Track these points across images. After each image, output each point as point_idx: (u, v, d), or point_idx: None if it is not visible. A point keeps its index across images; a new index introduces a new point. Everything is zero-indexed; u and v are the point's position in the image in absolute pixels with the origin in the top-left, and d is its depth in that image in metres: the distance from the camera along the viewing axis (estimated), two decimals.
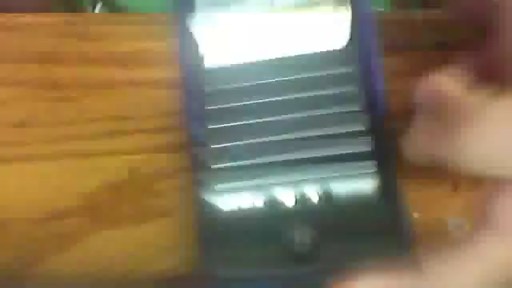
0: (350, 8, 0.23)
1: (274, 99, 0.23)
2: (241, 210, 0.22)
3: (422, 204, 0.26)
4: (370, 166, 0.21)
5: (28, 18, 0.35)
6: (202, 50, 0.25)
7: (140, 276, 0.27)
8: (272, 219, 0.21)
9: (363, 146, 0.21)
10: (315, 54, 0.22)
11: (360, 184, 0.21)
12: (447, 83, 0.21)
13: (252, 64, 0.24)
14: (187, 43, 0.25)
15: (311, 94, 0.22)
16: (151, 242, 0.28)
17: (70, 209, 0.29)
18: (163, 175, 0.31)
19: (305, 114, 0.22)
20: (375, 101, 0.22)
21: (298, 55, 0.23)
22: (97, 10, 0.39)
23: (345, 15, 0.23)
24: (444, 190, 0.29)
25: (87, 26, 0.35)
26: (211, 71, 0.24)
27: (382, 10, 0.38)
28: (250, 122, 0.23)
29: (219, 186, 0.22)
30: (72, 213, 0.29)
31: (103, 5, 0.40)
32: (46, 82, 0.36)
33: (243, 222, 0.22)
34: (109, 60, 0.37)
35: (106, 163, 0.31)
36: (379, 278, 0.20)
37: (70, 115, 0.34)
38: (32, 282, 0.27)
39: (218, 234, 0.22)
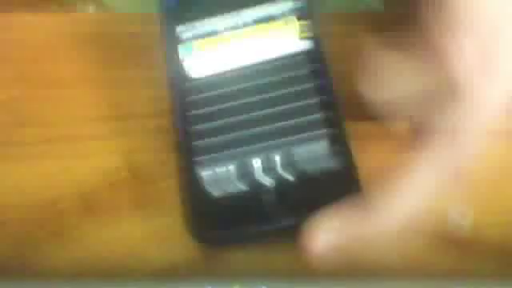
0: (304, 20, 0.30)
1: (247, 86, 0.29)
2: (217, 174, 0.27)
3: None
4: (323, 132, 0.26)
5: (27, 17, 0.35)
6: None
7: (134, 262, 0.27)
8: (245, 182, 0.26)
9: (317, 117, 0.27)
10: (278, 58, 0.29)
11: (315, 146, 0.26)
12: None
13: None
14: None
15: (276, 79, 0.29)
16: (146, 230, 0.28)
17: (71, 208, 0.29)
18: (164, 175, 0.30)
19: (270, 95, 0.28)
20: (327, 93, 0.28)
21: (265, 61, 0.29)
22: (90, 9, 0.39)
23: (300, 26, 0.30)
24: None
25: (84, 25, 0.35)
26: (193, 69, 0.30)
27: None
28: (227, 105, 0.28)
29: (197, 159, 0.27)
30: (72, 212, 0.29)
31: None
32: (45, 80, 0.36)
33: (221, 184, 0.26)
34: (108, 58, 0.37)
35: (106, 162, 0.31)
36: (334, 219, 0.24)
37: (70, 114, 0.34)
38: (25, 269, 0.27)
39: (201, 195, 0.26)
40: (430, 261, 0.26)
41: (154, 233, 0.28)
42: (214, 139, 0.28)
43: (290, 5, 0.30)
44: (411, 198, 0.24)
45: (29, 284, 0.27)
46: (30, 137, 0.33)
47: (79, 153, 0.32)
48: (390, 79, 0.25)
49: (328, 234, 0.24)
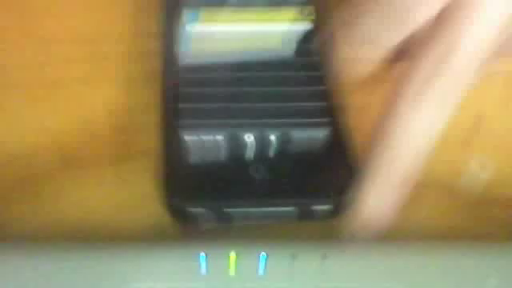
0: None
1: (249, 61, 0.27)
2: (202, 143, 0.24)
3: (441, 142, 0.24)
4: (323, 118, 0.25)
5: None
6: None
7: (118, 223, 0.24)
8: (231, 153, 0.24)
9: (319, 101, 0.26)
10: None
11: (314, 132, 0.25)
12: None
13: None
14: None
15: (277, 60, 0.27)
16: (129, 184, 0.25)
17: (37, 148, 0.26)
18: (141, 110, 0.27)
19: (271, 75, 0.27)
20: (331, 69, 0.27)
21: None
22: None
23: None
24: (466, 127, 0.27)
25: None
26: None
27: None
28: (221, 75, 0.26)
29: (185, 122, 0.25)
30: (39, 152, 0.26)
31: None
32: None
33: (206, 155, 0.24)
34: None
35: (79, 95, 0.28)
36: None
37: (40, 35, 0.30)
38: None
39: (177, 163, 0.24)
40: (444, 219, 0.25)
41: (135, 175, 0.25)
42: (204, 105, 0.25)
43: None
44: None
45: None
46: None
47: (49, 81, 0.28)
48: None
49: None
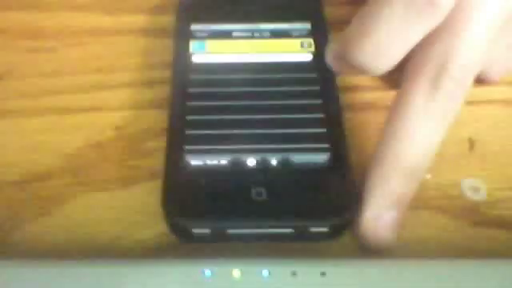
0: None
1: (248, 89, 0.28)
2: (206, 167, 0.25)
3: (434, 164, 0.25)
4: (324, 144, 0.26)
5: None
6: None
7: (127, 242, 0.25)
8: (234, 176, 0.25)
9: (320, 128, 0.27)
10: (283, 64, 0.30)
11: (316, 157, 0.26)
12: None
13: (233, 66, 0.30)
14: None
15: (279, 89, 0.28)
16: (139, 205, 0.26)
17: (51, 170, 0.27)
18: (151, 133, 0.28)
19: (275, 102, 0.28)
20: (331, 97, 0.28)
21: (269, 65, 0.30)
22: None
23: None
24: (458, 150, 0.28)
25: None
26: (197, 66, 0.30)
27: None
28: (226, 103, 0.28)
29: (189, 147, 0.26)
30: (53, 174, 0.27)
31: None
32: (26, 30, 0.33)
33: (207, 176, 0.25)
34: (94, 6, 0.35)
35: (90, 120, 0.29)
36: None
37: (50, 67, 0.32)
38: (10, 250, 0.25)
39: (181, 185, 0.25)
40: (440, 238, 0.25)
41: (142, 196, 0.27)
42: (209, 131, 0.26)
43: (305, 25, 0.31)
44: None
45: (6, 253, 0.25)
46: (7, 91, 0.31)
47: (61, 108, 0.30)
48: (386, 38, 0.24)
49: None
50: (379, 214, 0.24)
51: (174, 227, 0.24)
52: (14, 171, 0.27)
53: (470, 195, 0.26)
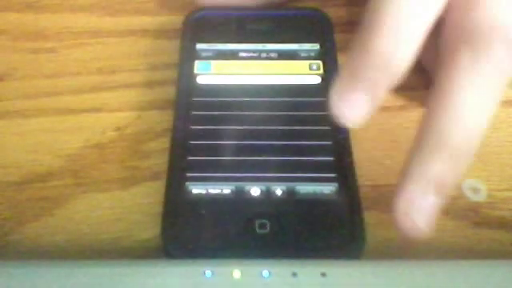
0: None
1: (253, 114, 0.28)
2: (208, 195, 0.25)
3: None
4: (332, 174, 0.25)
5: None
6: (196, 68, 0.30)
7: (128, 243, 0.25)
8: (236, 206, 0.24)
9: (327, 157, 0.26)
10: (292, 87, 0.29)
11: (320, 187, 0.25)
12: None
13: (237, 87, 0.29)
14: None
15: (286, 114, 0.28)
16: (139, 206, 0.26)
17: (52, 170, 0.27)
18: (152, 134, 0.28)
19: (282, 129, 0.27)
20: (342, 137, 0.27)
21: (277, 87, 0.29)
22: None
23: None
24: None
25: None
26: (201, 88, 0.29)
27: None
28: (230, 128, 0.27)
29: (191, 175, 0.25)
30: (54, 175, 0.27)
31: None
32: (27, 31, 0.33)
33: (208, 205, 0.24)
34: (94, 7, 0.35)
35: (91, 121, 0.29)
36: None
37: (51, 68, 0.32)
38: (10, 251, 0.25)
39: (181, 213, 0.24)
40: (441, 239, 0.25)
41: (143, 197, 0.26)
42: (212, 158, 0.26)
43: (314, 46, 0.30)
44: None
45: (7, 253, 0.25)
46: (7, 92, 0.31)
47: (61, 109, 0.30)
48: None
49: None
50: (414, 197, 0.21)
51: (172, 257, 0.23)
52: (15, 172, 0.27)
53: (471, 196, 0.26)
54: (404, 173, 0.22)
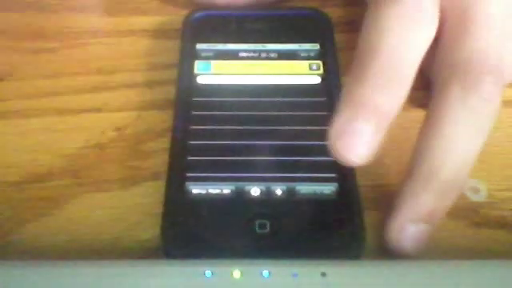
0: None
1: (253, 113, 0.28)
2: (208, 195, 0.25)
3: None
4: (332, 174, 0.25)
5: None
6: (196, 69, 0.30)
7: (128, 243, 0.25)
8: (236, 206, 0.24)
9: (327, 157, 0.24)
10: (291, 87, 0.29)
11: (320, 187, 0.25)
12: None
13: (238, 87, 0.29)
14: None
15: (286, 114, 0.28)
16: (139, 206, 0.26)
17: (52, 170, 0.27)
18: (152, 134, 0.28)
19: (282, 129, 0.27)
20: None
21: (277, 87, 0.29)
22: None
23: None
24: None
25: None
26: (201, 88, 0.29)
27: None
28: (230, 128, 0.27)
29: (191, 175, 0.25)
30: (54, 175, 0.27)
31: None
32: (27, 31, 0.33)
33: (208, 205, 0.24)
34: (94, 7, 0.35)
35: (91, 121, 0.29)
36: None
37: (51, 68, 0.32)
38: (10, 251, 0.25)
39: (181, 213, 0.24)
40: (441, 239, 0.25)
41: (143, 197, 0.26)
42: (212, 158, 0.26)
43: (314, 46, 0.30)
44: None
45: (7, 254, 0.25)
46: (7, 92, 0.31)
47: (61, 110, 0.30)
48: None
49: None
50: (404, 226, 0.23)
51: (171, 257, 0.23)
52: (15, 172, 0.27)
53: (470, 196, 0.26)
54: (396, 203, 0.23)
